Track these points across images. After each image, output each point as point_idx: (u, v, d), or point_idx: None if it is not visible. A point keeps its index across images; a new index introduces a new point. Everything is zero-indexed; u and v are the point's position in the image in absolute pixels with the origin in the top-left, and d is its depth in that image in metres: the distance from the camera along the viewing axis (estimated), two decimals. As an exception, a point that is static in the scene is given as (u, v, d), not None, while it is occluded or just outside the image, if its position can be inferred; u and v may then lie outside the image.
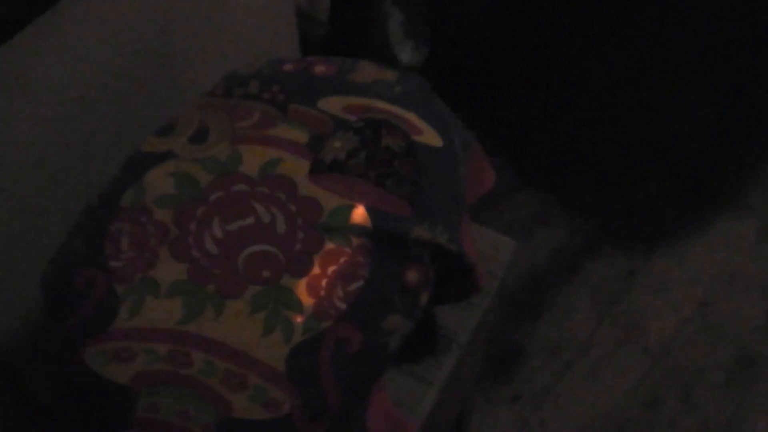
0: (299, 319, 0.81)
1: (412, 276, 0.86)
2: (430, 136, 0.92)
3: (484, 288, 1.04)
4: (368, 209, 0.85)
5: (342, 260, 0.84)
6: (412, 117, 0.92)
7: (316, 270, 0.83)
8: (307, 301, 0.82)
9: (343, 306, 0.83)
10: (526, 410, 1.61)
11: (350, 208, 0.85)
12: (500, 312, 1.71)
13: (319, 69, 0.97)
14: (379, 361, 0.86)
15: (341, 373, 0.82)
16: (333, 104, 0.92)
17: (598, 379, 1.65)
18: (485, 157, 1.05)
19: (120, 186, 0.90)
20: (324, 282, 0.83)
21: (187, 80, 1.21)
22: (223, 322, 0.81)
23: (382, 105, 0.92)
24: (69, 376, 0.83)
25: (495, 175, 1.06)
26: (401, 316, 0.86)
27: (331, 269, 0.83)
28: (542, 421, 1.60)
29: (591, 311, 1.74)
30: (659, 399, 1.62)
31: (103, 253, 0.86)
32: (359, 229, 0.84)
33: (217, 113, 0.93)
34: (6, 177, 1.00)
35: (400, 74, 0.98)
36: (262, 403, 0.80)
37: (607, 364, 1.67)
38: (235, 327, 0.81)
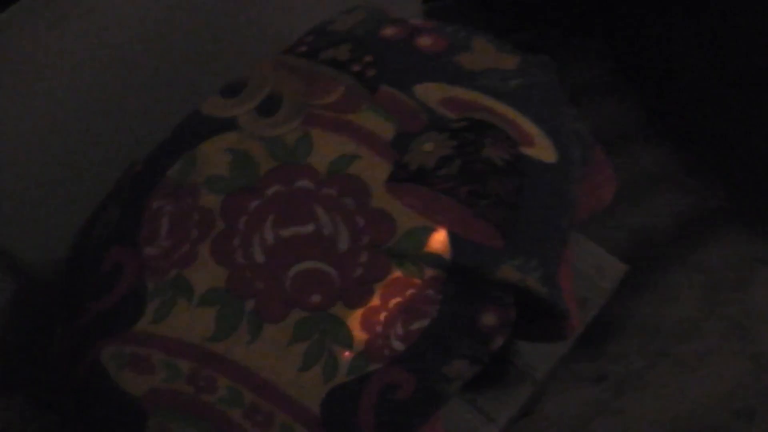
0: (347, 355, 0.69)
1: (488, 319, 0.72)
2: (543, 149, 0.76)
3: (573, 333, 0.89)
4: (451, 235, 0.71)
5: (408, 293, 0.70)
6: (525, 123, 0.76)
7: (375, 301, 0.70)
8: (360, 336, 0.69)
9: (400, 347, 0.70)
10: (605, 394, 1.48)
11: (429, 231, 0.71)
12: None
13: (425, 41, 0.80)
14: (432, 409, 0.74)
15: (384, 422, 0.71)
16: (432, 93, 0.77)
17: (692, 376, 1.49)
18: (608, 168, 0.88)
19: (170, 151, 0.77)
20: (383, 316, 0.70)
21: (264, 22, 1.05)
22: (257, 348, 0.69)
23: (490, 103, 0.76)
24: (79, 375, 0.73)
25: (616, 187, 0.90)
26: (467, 362, 0.73)
27: (393, 302, 0.70)
28: (621, 409, 1.47)
29: (700, 299, 1.56)
30: (753, 413, 1.46)
31: (138, 233, 0.74)
32: (435, 259, 0.70)
33: (294, 80, 0.78)
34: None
35: (522, 60, 0.81)
36: (291, 442, 0.69)
37: (705, 361, 1.51)
38: (270, 355, 0.69)
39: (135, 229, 0.74)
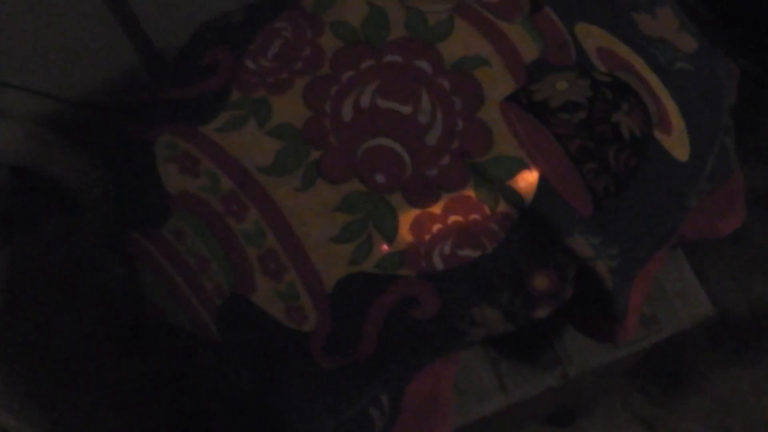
0: (384, 248, 0.65)
1: (540, 282, 0.67)
2: (678, 142, 0.69)
3: (625, 344, 0.82)
4: (541, 180, 0.65)
5: (472, 217, 0.65)
6: (672, 108, 0.69)
7: (436, 209, 0.65)
8: (405, 235, 0.65)
9: (440, 266, 0.65)
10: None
11: (522, 165, 0.65)
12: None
13: (615, -16, 0.74)
14: (447, 343, 0.69)
15: (392, 331, 0.66)
16: (593, 36, 0.70)
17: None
18: (739, 200, 0.80)
19: None
20: (436, 228, 0.65)
21: None
22: (302, 199, 0.65)
23: (647, 73, 0.69)
24: (130, 147, 0.72)
25: (744, 215, 0.81)
26: (500, 315, 0.68)
27: (453, 219, 0.65)
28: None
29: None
30: None
31: (249, 44, 0.71)
32: (515, 197, 0.65)
33: (465, -32, 0.73)
34: None
35: (702, 48, 0.73)
36: (287, 306, 0.65)
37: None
38: (311, 211, 0.65)
39: (247, 38, 0.71)
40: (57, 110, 1.01)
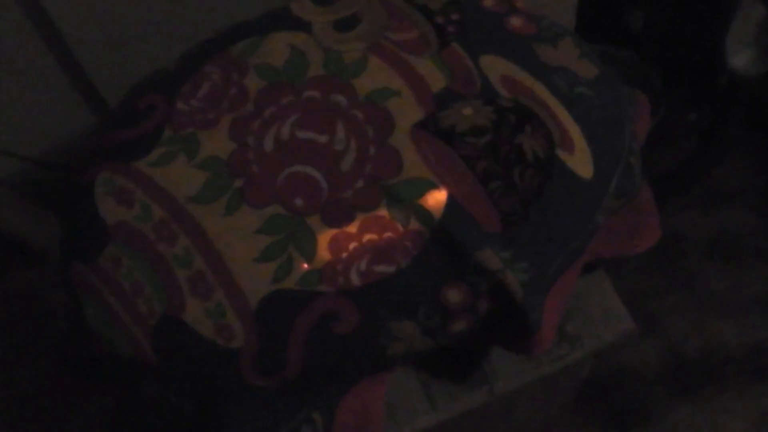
0: (304, 266, 0.69)
1: (452, 295, 0.71)
2: (581, 161, 0.74)
3: (539, 356, 0.86)
4: (449, 199, 0.70)
5: (386, 235, 0.69)
6: (573, 129, 0.74)
7: (351, 228, 0.69)
8: (323, 254, 0.69)
9: (357, 282, 0.69)
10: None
11: (431, 186, 0.70)
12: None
13: (515, 22, 0.79)
14: (370, 359, 0.73)
15: (316, 347, 0.70)
16: (495, 67, 0.75)
17: None
18: (653, 218, 0.84)
19: (244, 31, 0.80)
20: (352, 246, 0.69)
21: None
22: (227, 223, 0.70)
23: (546, 97, 0.74)
24: (76, 188, 0.77)
25: (659, 235, 0.85)
26: (419, 330, 0.72)
27: (368, 237, 0.69)
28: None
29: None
30: None
31: (180, 88, 0.77)
32: (425, 215, 0.69)
33: (380, 11, 0.79)
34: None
35: (601, 74, 0.78)
36: (216, 323, 0.69)
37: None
38: (235, 234, 0.70)
39: (179, 83, 0.77)
40: (18, 169, 1.07)
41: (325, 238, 0.69)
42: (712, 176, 1.63)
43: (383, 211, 0.70)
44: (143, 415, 0.79)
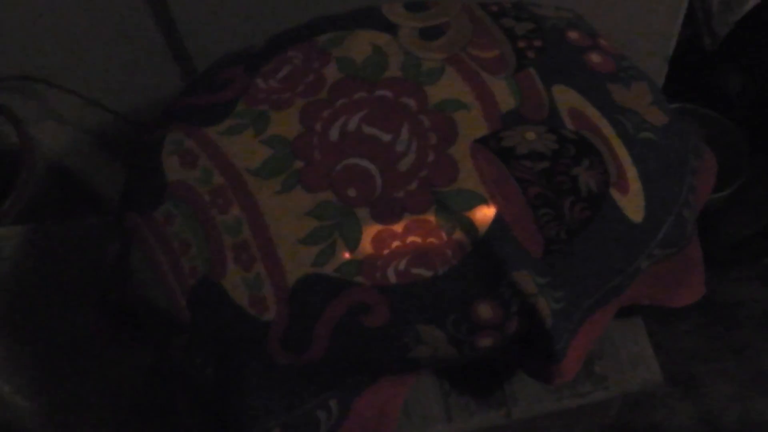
0: (345, 255, 0.71)
1: (483, 310, 0.72)
2: (633, 204, 0.74)
3: (561, 387, 0.86)
4: (497, 217, 0.71)
5: (429, 240, 0.71)
6: (631, 171, 0.75)
7: (397, 228, 0.71)
8: (366, 246, 0.71)
9: (393, 280, 0.71)
10: None
11: (482, 200, 0.71)
12: None
13: (595, 58, 0.80)
14: (394, 357, 0.75)
15: (342, 334, 0.72)
16: (566, 98, 0.77)
17: None
18: (699, 272, 0.84)
19: (335, 23, 0.83)
20: (395, 244, 0.71)
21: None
22: (280, 200, 0.73)
23: (611, 136, 0.75)
24: (147, 140, 0.81)
25: (702, 292, 0.85)
26: (444, 337, 0.73)
27: (411, 239, 0.71)
28: None
29: None
30: None
31: (262, 67, 0.80)
32: (470, 228, 0.71)
33: (467, 26, 0.81)
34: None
35: (671, 123, 0.79)
36: (251, 294, 0.72)
37: None
38: (285, 213, 0.72)
39: (262, 62, 0.81)
40: (104, 121, 1.12)
41: (370, 231, 0.71)
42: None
43: (431, 217, 0.71)
44: (170, 370, 0.82)
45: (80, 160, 1.06)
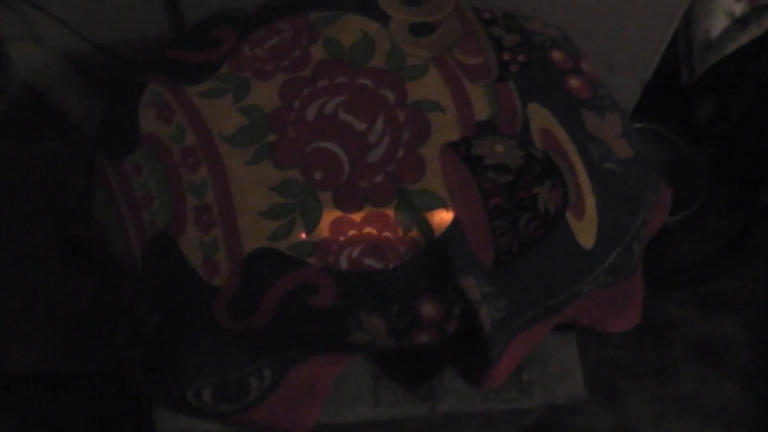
0: (302, 235, 0.73)
1: (426, 308, 0.74)
2: (585, 230, 0.77)
3: (488, 390, 0.89)
4: (454, 222, 0.73)
5: (385, 234, 0.73)
6: (589, 199, 0.77)
7: (356, 217, 0.73)
8: (323, 230, 0.73)
9: (344, 266, 0.73)
10: None
11: (442, 204, 0.73)
12: None
13: (574, 82, 0.82)
14: (334, 338, 0.77)
15: (288, 309, 0.74)
16: (540, 117, 0.79)
17: None
18: (638, 301, 0.87)
19: (331, 2, 0.83)
20: (351, 233, 0.73)
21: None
22: (248, 171, 0.74)
23: (576, 161, 0.77)
24: (121, 89, 0.81)
25: (637, 321, 0.89)
26: (385, 327, 0.75)
27: (368, 230, 0.73)
28: None
29: None
30: None
31: (252, 33, 0.81)
32: (427, 228, 0.73)
33: (457, 28, 0.82)
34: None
35: (636, 157, 0.81)
36: (206, 257, 0.73)
37: None
38: (251, 184, 0.74)
39: (253, 28, 0.81)
40: (85, 50, 1.11)
41: (329, 216, 0.73)
42: (721, 282, 1.65)
43: (390, 211, 0.73)
44: (114, 311, 0.83)
45: (55, 86, 1.06)
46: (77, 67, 1.09)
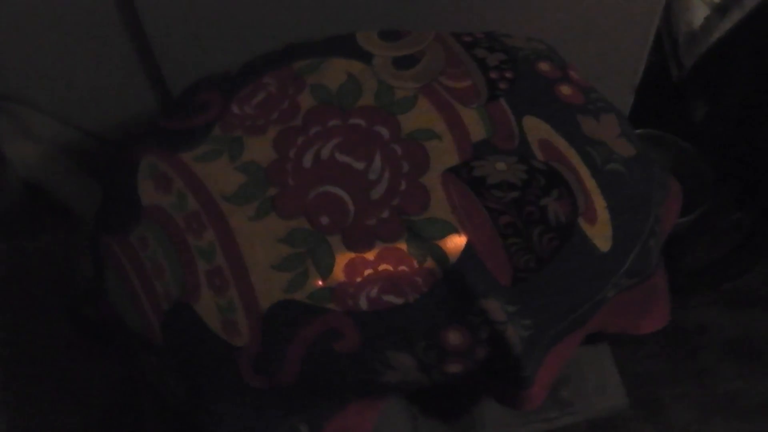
0: (318, 283, 0.72)
1: (452, 337, 0.73)
2: (600, 233, 0.76)
3: (528, 412, 0.87)
4: (467, 246, 0.72)
5: (400, 268, 0.72)
6: (599, 202, 0.76)
7: (369, 255, 0.72)
8: (338, 274, 0.72)
9: (364, 307, 0.72)
10: None
11: (452, 229, 0.72)
12: None
13: (565, 90, 0.82)
14: (365, 381, 0.76)
15: (314, 359, 0.73)
16: (536, 129, 0.78)
17: None
18: (664, 300, 0.86)
19: (310, 50, 0.84)
20: (367, 272, 0.72)
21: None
22: (253, 227, 0.73)
23: (580, 167, 0.77)
24: (120, 163, 0.81)
25: (667, 320, 0.87)
26: (415, 364, 0.74)
27: (383, 267, 0.72)
28: None
29: None
30: None
31: (238, 92, 0.81)
32: (441, 256, 0.72)
33: (440, 56, 0.83)
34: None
35: (639, 156, 0.81)
36: (225, 319, 0.73)
37: None
38: (258, 239, 0.73)
39: (238, 87, 0.81)
40: (76, 139, 1.12)
41: (342, 259, 0.72)
42: (744, 278, 1.63)
43: (402, 245, 0.73)
44: (141, 388, 0.82)
45: (53, 177, 1.07)
46: (72, 156, 1.09)
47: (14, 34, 1.02)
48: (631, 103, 1.25)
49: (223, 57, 0.94)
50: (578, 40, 1.08)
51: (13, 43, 1.03)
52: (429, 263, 0.72)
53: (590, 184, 0.77)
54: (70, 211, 1.05)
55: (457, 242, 0.72)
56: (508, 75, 0.82)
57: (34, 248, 1.01)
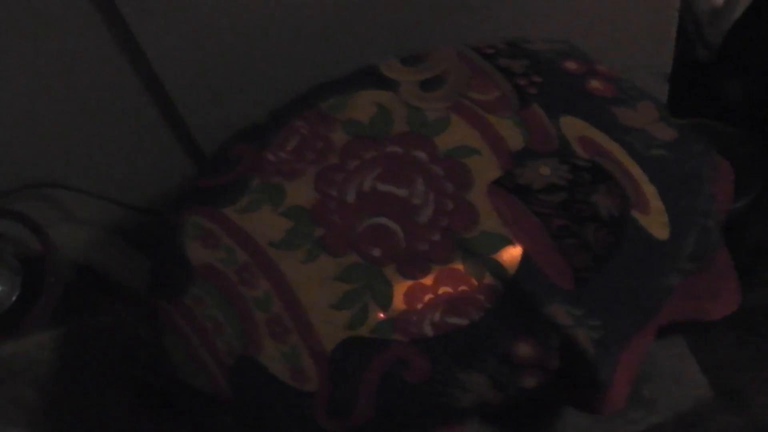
0: (380, 315, 0.71)
1: (522, 349, 0.72)
2: (656, 222, 0.74)
3: (612, 417, 0.85)
4: (524, 255, 0.71)
5: (460, 288, 0.71)
6: (649, 190, 0.75)
7: (427, 280, 0.72)
8: (398, 304, 0.71)
9: (429, 332, 0.71)
10: None
11: (506, 242, 0.71)
12: None
13: (595, 84, 0.81)
14: (438, 408, 0.74)
15: (387, 394, 0.72)
16: (574, 127, 0.77)
17: None
18: (732, 281, 0.84)
19: (335, 88, 0.84)
20: (427, 297, 0.71)
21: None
22: (306, 270, 0.73)
23: (623, 158, 0.75)
24: (166, 227, 0.81)
25: (738, 301, 0.85)
26: (488, 382, 0.73)
27: (443, 289, 0.71)
28: None
29: None
30: None
31: (271, 140, 0.81)
32: (499, 270, 0.71)
33: (464, 72, 0.82)
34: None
35: (681, 137, 0.79)
36: (291, 366, 0.72)
37: None
38: (314, 281, 0.72)
39: (270, 136, 0.82)
40: (119, 215, 1.13)
41: (400, 288, 0.71)
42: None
43: (458, 265, 0.72)
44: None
45: (101, 256, 1.07)
46: (116, 231, 1.10)
47: (51, 123, 1.04)
48: (666, 92, 1.23)
49: (248, 110, 0.94)
50: (601, 38, 1.07)
51: (51, 133, 1.05)
52: (488, 279, 0.71)
53: (637, 172, 0.75)
54: (123, 286, 1.06)
55: (512, 253, 0.71)
56: (535, 79, 0.81)
57: (94, 327, 1.02)
